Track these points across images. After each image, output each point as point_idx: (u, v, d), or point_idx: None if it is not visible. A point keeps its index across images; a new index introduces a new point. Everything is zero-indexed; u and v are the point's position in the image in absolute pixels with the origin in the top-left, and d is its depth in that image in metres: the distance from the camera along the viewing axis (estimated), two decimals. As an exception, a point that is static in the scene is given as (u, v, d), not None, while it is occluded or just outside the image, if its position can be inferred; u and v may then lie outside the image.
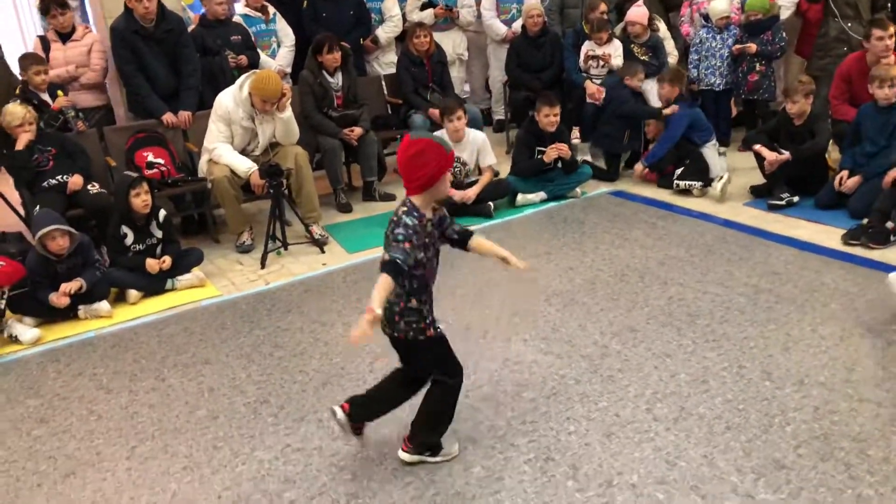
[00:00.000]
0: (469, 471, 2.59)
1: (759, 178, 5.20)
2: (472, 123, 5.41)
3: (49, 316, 4.01)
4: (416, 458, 2.64)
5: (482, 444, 2.73)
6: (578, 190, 5.51)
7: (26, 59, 4.98)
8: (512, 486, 2.50)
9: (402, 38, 6.61)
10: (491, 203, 5.24)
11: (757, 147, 5.03)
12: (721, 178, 5.17)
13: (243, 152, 4.88)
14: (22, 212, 5.03)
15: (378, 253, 4.14)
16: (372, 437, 2.81)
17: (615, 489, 2.44)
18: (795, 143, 4.93)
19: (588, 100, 6.12)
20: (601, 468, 2.55)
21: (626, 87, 5.80)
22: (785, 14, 6.17)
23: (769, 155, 4.93)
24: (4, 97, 4.76)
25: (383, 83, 6.44)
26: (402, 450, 2.65)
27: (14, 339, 3.83)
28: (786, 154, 4.90)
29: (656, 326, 3.50)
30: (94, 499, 2.60)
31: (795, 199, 4.90)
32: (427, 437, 2.64)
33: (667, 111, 5.55)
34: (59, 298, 3.92)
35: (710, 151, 5.48)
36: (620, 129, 5.84)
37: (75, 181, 4.59)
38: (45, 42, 5.39)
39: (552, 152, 5.26)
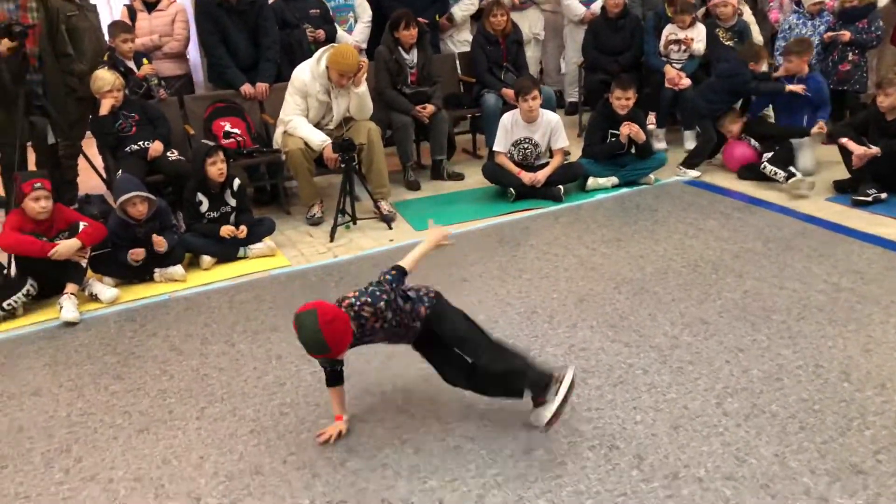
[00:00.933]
0: (531, 453, 2.57)
1: (843, 173, 4.98)
2: (545, 104, 5.33)
3: (127, 277, 4.15)
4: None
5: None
6: (652, 176, 5.38)
7: (115, 27, 5.12)
8: (574, 471, 2.47)
9: (477, 17, 6.55)
10: (561, 186, 5.17)
11: (843, 140, 4.82)
12: (802, 178, 4.99)
13: (318, 126, 4.93)
14: (105, 175, 5.21)
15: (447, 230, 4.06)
16: (436, 413, 2.81)
17: (681, 482, 2.39)
18: (886, 138, 4.70)
19: (667, 85, 5.96)
20: (667, 460, 2.50)
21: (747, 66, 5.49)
22: (883, 1, 5.86)
23: (857, 149, 4.72)
24: (96, 63, 4.91)
25: (457, 61, 6.41)
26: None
27: (94, 298, 3.98)
28: (875, 149, 4.68)
29: (729, 320, 3.40)
30: (165, 455, 2.69)
31: (883, 195, 4.68)
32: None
33: (794, 88, 5.32)
34: (136, 255, 4.06)
35: (808, 144, 5.28)
36: (727, 102, 5.58)
37: (156, 147, 4.72)
38: (131, 11, 5.55)
39: (626, 129, 5.14)
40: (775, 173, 5.10)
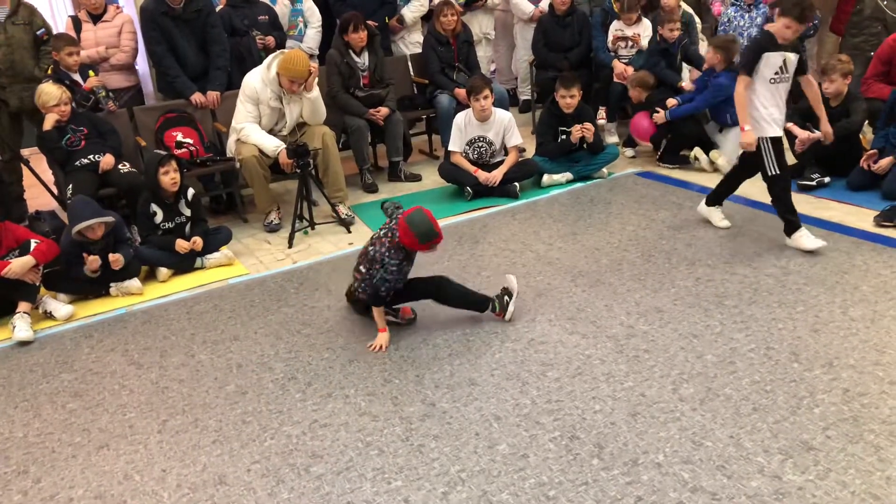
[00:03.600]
0: (494, 448, 2.60)
1: (789, 159, 5.11)
2: (498, 103, 5.39)
3: (82, 293, 4.10)
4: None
5: (507, 421, 2.74)
6: (605, 170, 5.47)
7: (59, 40, 5.03)
8: (537, 463, 2.51)
9: (427, 18, 6.59)
10: (517, 184, 5.23)
11: (789, 125, 4.95)
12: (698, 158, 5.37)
13: (271, 132, 4.91)
14: (55, 191, 5.12)
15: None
16: (399, 414, 2.83)
17: (640, 468, 2.45)
18: (830, 123, 4.83)
19: (616, 79, 6.06)
20: (626, 447, 2.55)
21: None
22: (819, -9, 6.03)
23: (801, 133, 4.86)
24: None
25: (409, 63, 6.42)
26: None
27: (49, 315, 3.91)
28: (818, 133, 4.81)
29: (683, 307, 3.48)
30: (126, 470, 2.66)
31: (826, 179, 4.82)
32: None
33: (685, 85, 5.53)
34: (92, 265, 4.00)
35: (735, 135, 5.38)
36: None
37: (107, 161, 4.65)
38: (76, 22, 5.46)
39: (577, 132, 5.22)
40: (671, 169, 5.47)
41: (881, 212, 4.27)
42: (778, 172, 3.95)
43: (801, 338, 3.14)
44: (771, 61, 3.88)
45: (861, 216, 4.34)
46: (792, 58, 3.91)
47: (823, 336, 3.14)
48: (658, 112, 5.43)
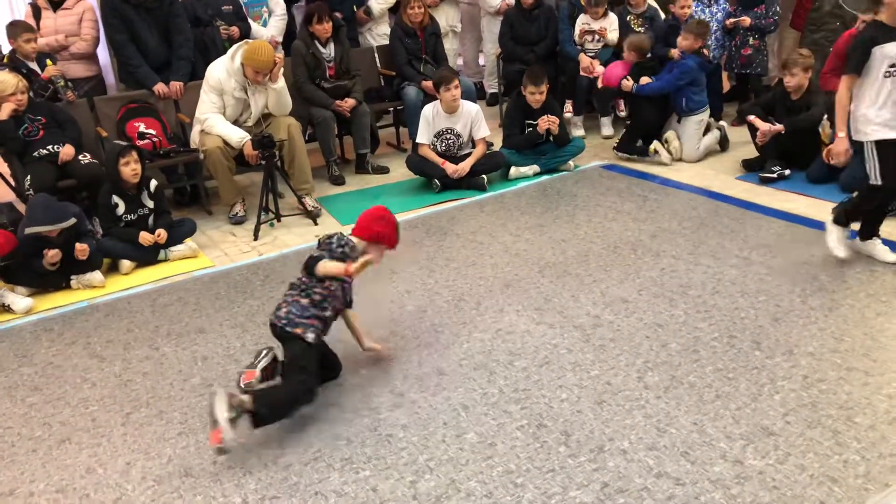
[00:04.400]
0: (462, 437, 2.61)
1: (752, 153, 5.21)
2: (465, 96, 5.38)
3: (42, 286, 4.01)
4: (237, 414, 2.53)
5: (474, 411, 2.75)
6: (571, 163, 5.51)
7: (16, 27, 4.91)
8: (504, 451, 2.53)
9: (395, 10, 6.56)
10: (485, 176, 5.24)
11: (751, 118, 5.03)
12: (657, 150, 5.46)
13: (236, 123, 4.86)
14: (12, 182, 5.00)
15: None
16: (367, 405, 2.83)
17: (606, 455, 2.48)
18: (792, 117, 4.94)
19: (581, 73, 6.10)
20: (592, 434, 2.58)
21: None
22: (780, -13, 6.14)
23: (762, 125, 4.94)
24: None
25: (376, 55, 6.40)
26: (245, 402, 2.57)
27: (7, 309, 3.83)
28: (779, 125, 4.91)
29: (648, 297, 3.52)
30: (89, 464, 2.62)
31: (787, 172, 4.92)
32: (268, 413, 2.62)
33: (673, 52, 5.57)
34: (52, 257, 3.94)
35: (693, 124, 5.47)
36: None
37: (66, 151, 4.56)
38: (35, 9, 5.33)
39: (543, 124, 5.25)
40: (628, 158, 5.55)
41: (839, 203, 4.35)
42: (880, 182, 3.52)
43: (762, 326, 3.20)
44: (885, 52, 3.42)
45: (820, 208, 4.43)
46: None
47: (784, 325, 3.21)
48: (627, 80, 5.46)
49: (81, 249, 3.97)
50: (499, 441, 2.58)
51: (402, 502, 2.33)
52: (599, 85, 5.77)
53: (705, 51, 5.68)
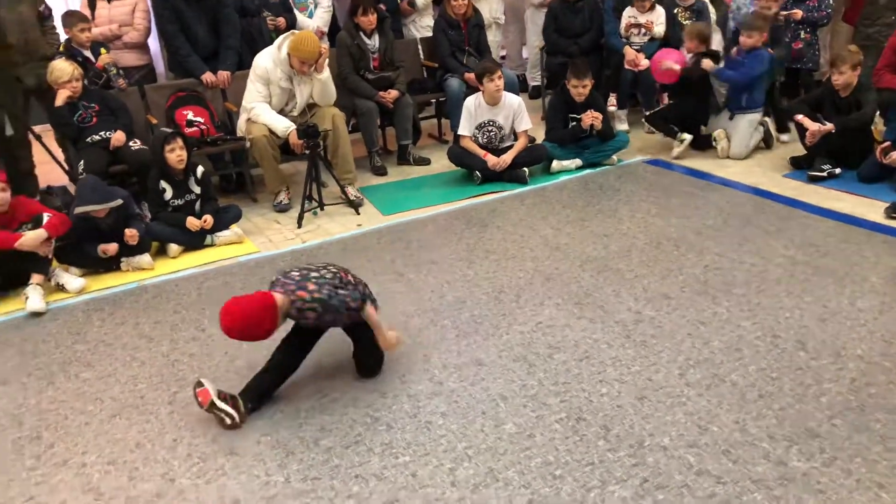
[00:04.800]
0: (501, 427, 2.63)
1: (799, 150, 5.12)
2: (508, 88, 5.38)
3: (93, 267, 4.12)
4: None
5: (513, 402, 2.77)
6: (615, 157, 5.47)
7: (72, 17, 5.04)
8: (543, 443, 2.54)
9: (439, 1, 6.57)
10: (526, 169, 5.23)
11: (799, 117, 4.94)
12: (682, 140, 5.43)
13: (281, 112, 4.92)
14: (66, 167, 5.14)
15: (413, 216, 4.10)
16: (406, 392, 2.86)
17: (646, 450, 2.47)
18: (840, 115, 4.84)
19: (626, 66, 6.05)
20: (633, 430, 2.58)
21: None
22: (833, -19, 6.00)
23: (811, 126, 4.85)
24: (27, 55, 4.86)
25: (420, 46, 6.43)
26: None
27: (61, 288, 3.94)
28: (829, 125, 4.81)
29: (691, 294, 3.49)
30: (138, 439, 2.69)
31: (837, 170, 4.82)
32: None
33: (705, 65, 5.42)
34: (108, 248, 4.06)
35: (746, 123, 5.39)
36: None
37: (117, 137, 4.67)
38: (91, 0, 5.45)
39: (588, 119, 5.22)
40: (651, 130, 5.54)
41: (892, 203, 4.26)
42: None
43: (807, 327, 3.15)
44: None
45: (872, 208, 4.34)
46: None
47: (831, 326, 3.15)
48: (707, 60, 5.36)
49: (131, 235, 4.07)
50: (537, 433, 2.59)
51: (440, 488, 2.36)
52: (654, 74, 5.66)
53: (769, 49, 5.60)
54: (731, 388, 2.77)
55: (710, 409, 2.67)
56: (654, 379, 2.86)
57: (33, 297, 3.73)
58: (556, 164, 5.36)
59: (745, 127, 5.37)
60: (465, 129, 5.28)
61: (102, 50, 5.14)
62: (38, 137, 5.10)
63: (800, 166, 5.04)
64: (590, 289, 3.62)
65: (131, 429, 2.76)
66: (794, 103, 5.20)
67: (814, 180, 4.81)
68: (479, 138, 5.29)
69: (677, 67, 5.39)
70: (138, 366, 3.19)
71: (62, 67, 4.58)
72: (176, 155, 4.27)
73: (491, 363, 3.04)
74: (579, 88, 5.24)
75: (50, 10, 5.18)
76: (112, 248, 4.04)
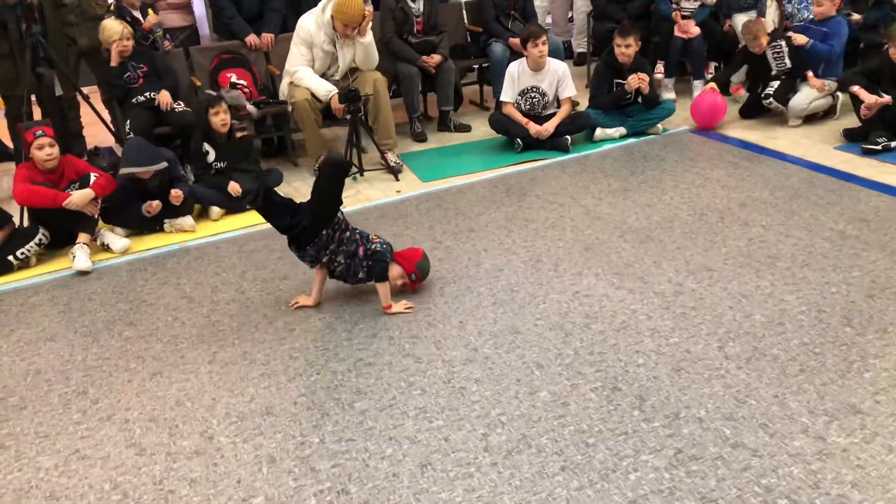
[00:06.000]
0: (535, 395, 2.63)
1: (853, 121, 4.94)
2: (552, 54, 5.28)
3: (138, 227, 4.20)
4: None
5: (548, 370, 2.76)
6: (660, 126, 5.35)
7: (121, -24, 5.08)
8: (577, 411, 2.53)
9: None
10: (569, 137, 5.15)
11: (855, 89, 4.77)
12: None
13: (323, 76, 4.91)
14: (112, 128, 5.22)
15: (452, 183, 4.10)
16: (441, 357, 2.87)
17: (681, 421, 2.45)
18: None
19: (676, 33, 5.88)
20: (668, 401, 2.55)
21: None
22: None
23: (868, 98, 4.67)
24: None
25: (464, 11, 6.33)
26: None
27: (106, 248, 4.03)
28: (887, 97, 4.63)
29: (734, 267, 3.42)
30: (178, 397, 2.76)
31: (893, 144, 4.64)
32: None
33: (797, 38, 5.26)
34: (152, 208, 4.14)
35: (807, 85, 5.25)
36: None
37: (164, 97, 4.71)
38: (135, -39, 5.48)
39: (633, 81, 5.10)
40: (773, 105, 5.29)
41: (948, 179, 4.11)
42: None
43: (854, 302, 3.07)
44: None
45: (928, 182, 4.19)
46: None
47: (879, 302, 3.06)
48: (799, 35, 5.25)
49: (176, 196, 4.13)
50: (572, 401, 2.58)
51: (472, 453, 2.37)
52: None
53: (787, 22, 5.43)
54: (771, 362, 2.72)
55: (749, 382, 2.62)
56: (693, 351, 2.82)
57: (80, 256, 3.82)
58: (599, 132, 5.27)
59: (810, 90, 5.21)
60: (507, 95, 5.21)
61: (150, 11, 5.18)
62: (87, 98, 5.18)
63: (853, 139, 4.86)
64: (630, 259, 3.57)
65: (171, 387, 2.82)
66: (851, 74, 5.00)
67: (868, 153, 4.64)
68: (522, 105, 5.22)
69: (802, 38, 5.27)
70: (179, 326, 3.26)
71: (112, 26, 4.64)
72: (220, 119, 4.31)
73: (527, 331, 3.02)
74: (622, 48, 5.12)
75: None
76: (155, 205, 4.12)
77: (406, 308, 3.24)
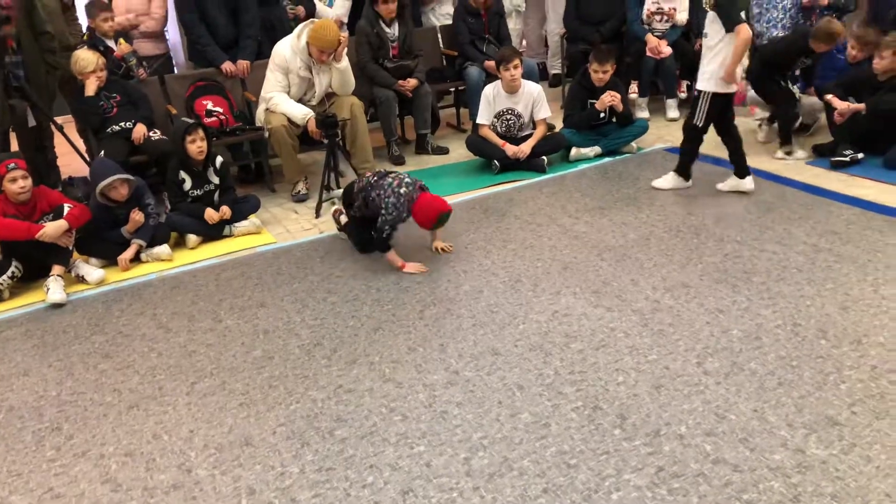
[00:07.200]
0: (516, 416, 2.62)
1: (824, 137, 5.02)
2: (527, 76, 5.33)
3: (113, 258, 4.15)
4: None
5: (529, 391, 2.75)
6: (634, 145, 5.41)
7: (94, 7, 5.08)
8: (558, 432, 2.52)
9: (458, -10, 6.52)
10: (545, 157, 5.19)
11: (829, 97, 4.85)
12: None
13: (300, 101, 4.92)
14: (87, 157, 5.19)
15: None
16: (422, 381, 2.86)
17: (662, 439, 2.45)
18: (874, 98, 4.73)
19: (648, 54, 5.97)
20: (649, 418, 2.55)
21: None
22: (860, -35, 5.87)
23: (840, 105, 4.75)
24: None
25: (439, 35, 6.39)
26: None
27: (81, 279, 3.99)
28: (859, 105, 4.71)
29: (710, 283, 3.45)
30: (155, 430, 2.72)
31: (860, 156, 4.73)
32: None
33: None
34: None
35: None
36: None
37: (138, 131, 4.69)
38: (108, -10, 5.49)
39: (606, 98, 5.16)
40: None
41: (917, 190, 4.19)
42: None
43: (829, 315, 3.10)
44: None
45: (896, 195, 4.27)
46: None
47: (853, 314, 3.10)
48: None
49: (136, 219, 4.11)
50: (553, 422, 2.58)
51: (455, 478, 2.35)
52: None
53: (756, 40, 5.49)
54: (749, 377, 2.74)
55: (728, 397, 2.63)
56: (672, 367, 2.83)
57: (54, 288, 3.78)
58: (574, 152, 5.32)
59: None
60: (483, 117, 5.25)
61: (121, 40, 5.17)
62: (60, 128, 5.15)
63: (822, 154, 4.94)
64: (608, 278, 3.59)
65: (149, 420, 2.78)
66: (829, 84, 5.04)
67: (837, 166, 4.72)
68: (498, 127, 5.26)
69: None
70: (156, 357, 3.22)
71: (86, 57, 4.63)
72: (196, 146, 4.29)
73: (507, 352, 3.02)
74: (600, 73, 5.19)
75: (73, 0, 5.24)
76: (136, 219, 4.11)
77: (421, 269, 3.75)
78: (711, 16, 4.15)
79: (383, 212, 3.70)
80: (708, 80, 4.22)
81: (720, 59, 4.13)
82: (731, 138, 4.44)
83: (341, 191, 4.26)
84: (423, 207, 3.68)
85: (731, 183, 4.52)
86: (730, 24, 4.04)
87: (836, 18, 5.72)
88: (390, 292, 3.60)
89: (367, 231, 3.91)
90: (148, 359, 3.20)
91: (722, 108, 4.33)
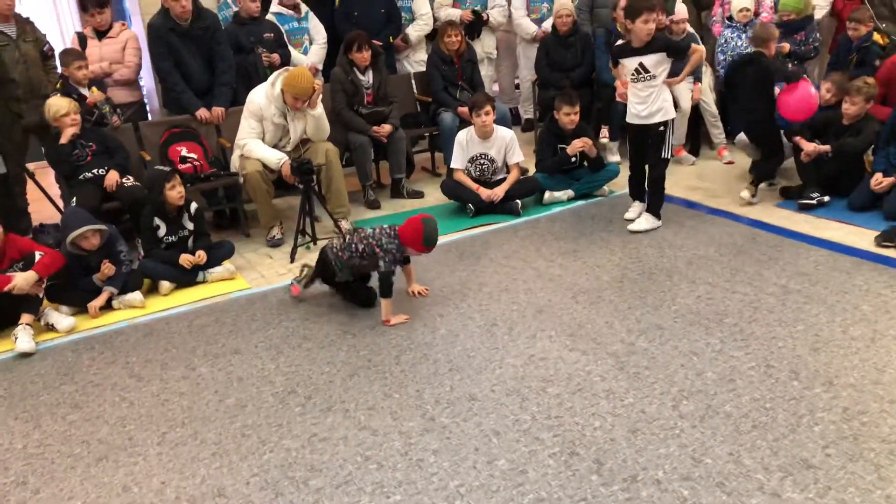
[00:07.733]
0: (493, 463, 2.60)
1: (791, 181, 5.14)
2: (500, 121, 5.42)
3: (84, 305, 4.10)
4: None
5: (506, 437, 2.74)
6: (606, 188, 5.50)
7: (68, 55, 5.09)
8: (536, 479, 2.51)
9: (432, 37, 6.64)
10: (519, 201, 5.25)
11: (797, 138, 4.97)
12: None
13: (275, 148, 4.94)
14: (59, 204, 5.15)
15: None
16: (398, 429, 2.83)
17: (640, 484, 2.44)
18: (838, 140, 4.87)
19: (618, 99, 6.08)
20: (626, 463, 2.55)
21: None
22: (819, 14, 6.09)
23: (807, 146, 4.87)
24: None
25: (413, 81, 6.49)
26: None
27: (50, 328, 3.92)
28: (825, 146, 4.84)
29: (684, 325, 3.48)
30: (125, 482, 2.66)
31: (826, 198, 4.84)
32: None
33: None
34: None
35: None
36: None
37: (111, 178, 4.67)
38: (82, 39, 5.52)
39: (577, 143, 5.25)
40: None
41: (882, 232, 4.28)
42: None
43: (800, 356, 3.14)
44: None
45: (862, 236, 4.35)
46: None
47: (823, 355, 3.14)
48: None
49: (106, 267, 4.07)
50: (530, 468, 2.56)
51: (432, 528, 2.32)
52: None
53: None
54: (724, 420, 2.75)
55: (704, 440, 2.64)
56: (648, 411, 2.84)
57: (22, 337, 3.71)
58: (548, 196, 5.38)
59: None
60: (457, 162, 5.31)
61: (93, 87, 5.18)
62: (32, 175, 5.12)
63: (790, 197, 5.05)
64: (582, 320, 3.61)
65: (118, 471, 2.72)
66: (796, 126, 5.12)
67: (804, 209, 4.83)
68: (472, 171, 5.31)
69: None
70: (127, 406, 3.16)
71: (58, 103, 4.63)
72: (177, 192, 4.28)
73: (484, 398, 3.01)
74: (571, 115, 5.28)
75: (53, 50, 5.29)
76: (109, 267, 4.09)
77: (404, 319, 3.71)
78: (658, 57, 4.56)
79: (381, 253, 3.70)
80: (665, 111, 4.62)
81: (666, 90, 4.65)
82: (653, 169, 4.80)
83: (310, 269, 4.12)
84: (407, 228, 3.74)
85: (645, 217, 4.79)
86: (684, 50, 4.60)
87: (798, 65, 5.92)
88: (366, 337, 3.58)
89: (361, 288, 3.95)
90: (119, 408, 3.15)
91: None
